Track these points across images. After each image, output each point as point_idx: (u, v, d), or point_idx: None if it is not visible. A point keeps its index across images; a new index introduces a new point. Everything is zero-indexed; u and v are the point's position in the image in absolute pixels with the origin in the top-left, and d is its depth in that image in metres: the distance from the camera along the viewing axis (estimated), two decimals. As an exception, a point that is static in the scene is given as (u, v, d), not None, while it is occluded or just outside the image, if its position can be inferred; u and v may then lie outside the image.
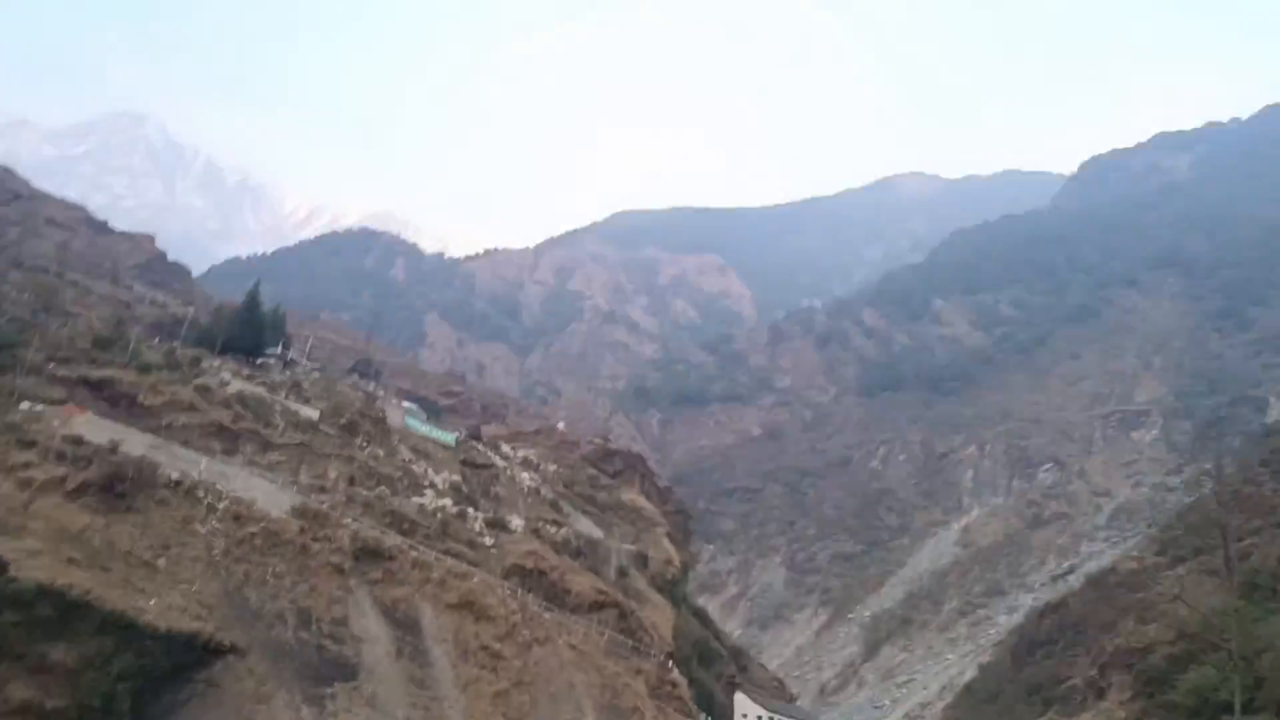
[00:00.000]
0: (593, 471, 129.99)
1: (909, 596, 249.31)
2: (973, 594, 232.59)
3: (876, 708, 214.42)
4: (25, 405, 63.58)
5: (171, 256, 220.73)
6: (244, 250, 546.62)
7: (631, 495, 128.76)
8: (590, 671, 74.01)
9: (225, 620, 58.00)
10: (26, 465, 57.17)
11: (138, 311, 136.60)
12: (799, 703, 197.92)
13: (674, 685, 79.15)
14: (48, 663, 50.51)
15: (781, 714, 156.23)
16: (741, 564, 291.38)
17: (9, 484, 55.91)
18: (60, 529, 55.15)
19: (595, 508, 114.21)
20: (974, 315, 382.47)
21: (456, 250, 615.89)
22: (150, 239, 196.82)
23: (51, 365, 68.36)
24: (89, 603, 52.26)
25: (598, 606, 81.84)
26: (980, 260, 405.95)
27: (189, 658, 55.24)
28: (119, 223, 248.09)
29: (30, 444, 58.59)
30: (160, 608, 55.14)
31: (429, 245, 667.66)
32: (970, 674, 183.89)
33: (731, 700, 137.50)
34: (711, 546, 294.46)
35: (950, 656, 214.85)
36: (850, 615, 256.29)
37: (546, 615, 76.06)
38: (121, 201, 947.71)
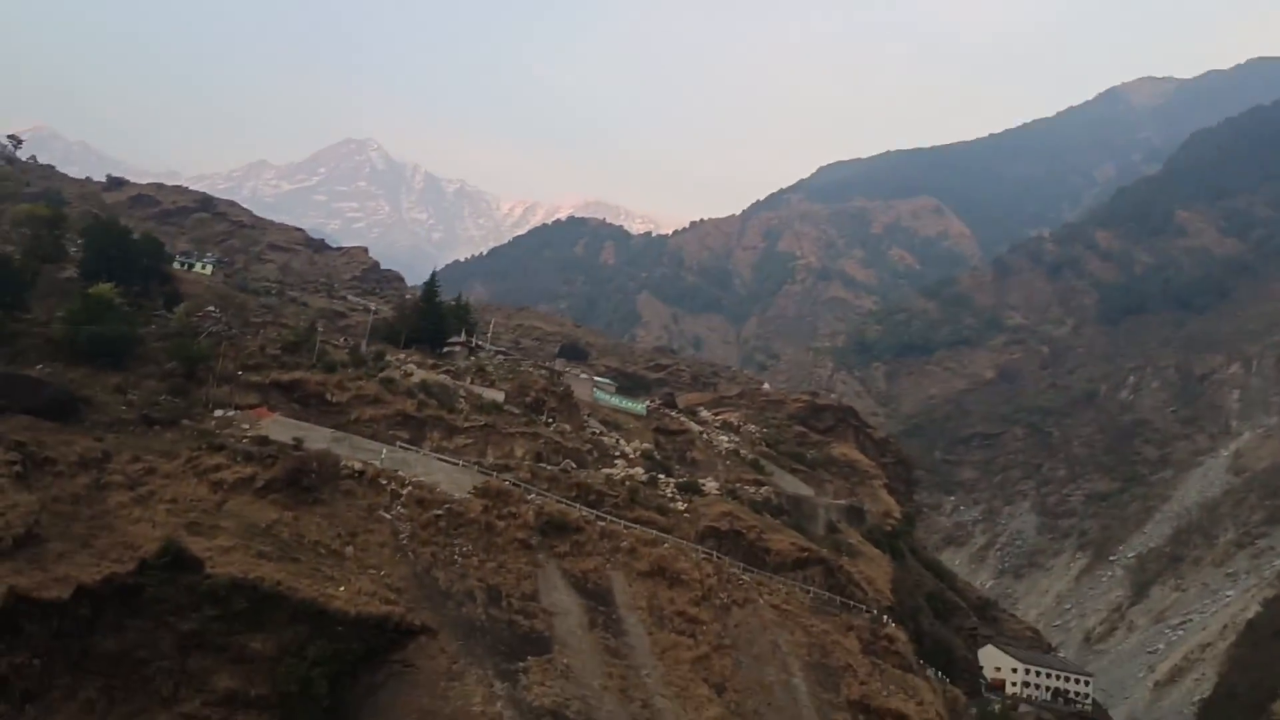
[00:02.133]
0: (801, 429, 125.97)
1: (1177, 532, 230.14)
2: (1251, 523, 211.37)
3: (1150, 652, 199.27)
4: (219, 412, 66.84)
5: (402, 268, 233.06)
6: (465, 254, 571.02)
7: (844, 449, 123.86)
8: (796, 630, 70.91)
9: (415, 602, 58.79)
10: (217, 468, 59.91)
11: (353, 319, 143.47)
12: (1061, 653, 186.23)
13: (890, 640, 74.66)
14: (247, 653, 52.61)
15: (1038, 665, 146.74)
16: (987, 513, 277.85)
17: (202, 486, 58.73)
18: (250, 525, 57.40)
19: (804, 465, 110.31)
20: (1224, 221, 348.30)
21: (664, 228, 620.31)
22: (364, 251, 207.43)
23: (241, 373, 71.68)
24: (281, 593, 54.04)
25: (802, 564, 78.42)
26: (1227, 161, 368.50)
27: (381, 641, 56.26)
28: (354, 242, 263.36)
29: (220, 448, 61.39)
30: (350, 594, 56.42)
31: (637, 227, 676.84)
32: (1254, 609, 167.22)
33: (974, 654, 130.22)
34: (952, 498, 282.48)
35: (1230, 593, 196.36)
36: (1112, 557, 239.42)
37: (745, 576, 73.45)
38: (354, 224, 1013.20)
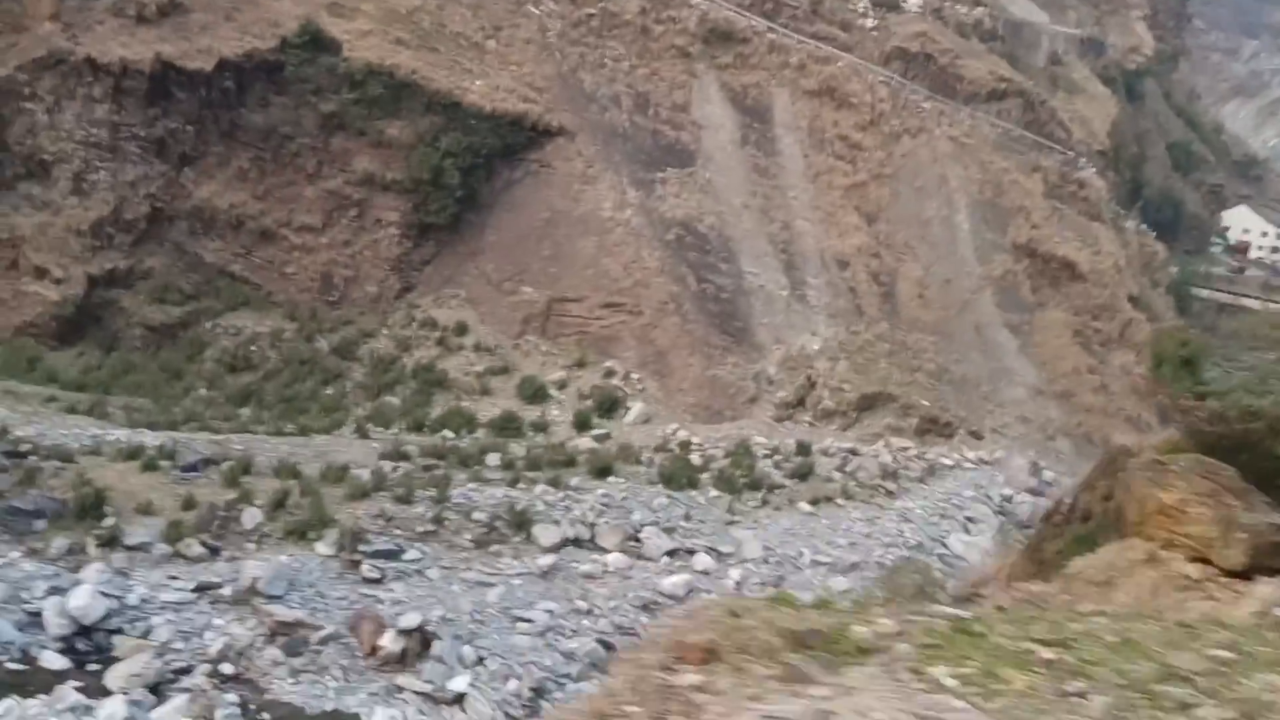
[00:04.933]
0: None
1: None
2: None
3: None
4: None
5: None
6: None
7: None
8: (970, 166, 65.63)
9: (555, 103, 57.70)
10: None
11: None
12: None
13: (1081, 185, 68.21)
14: (384, 139, 54.08)
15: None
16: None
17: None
18: (390, 10, 56.31)
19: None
20: None
21: None
22: None
23: None
24: (417, 82, 54.13)
25: (998, 96, 70.75)
26: None
27: (518, 139, 56.35)
28: None
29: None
30: (487, 88, 55.82)
31: None
32: None
33: (1213, 211, 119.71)
34: (1255, 42, 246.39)
35: None
36: None
37: (926, 105, 67.22)
38: None
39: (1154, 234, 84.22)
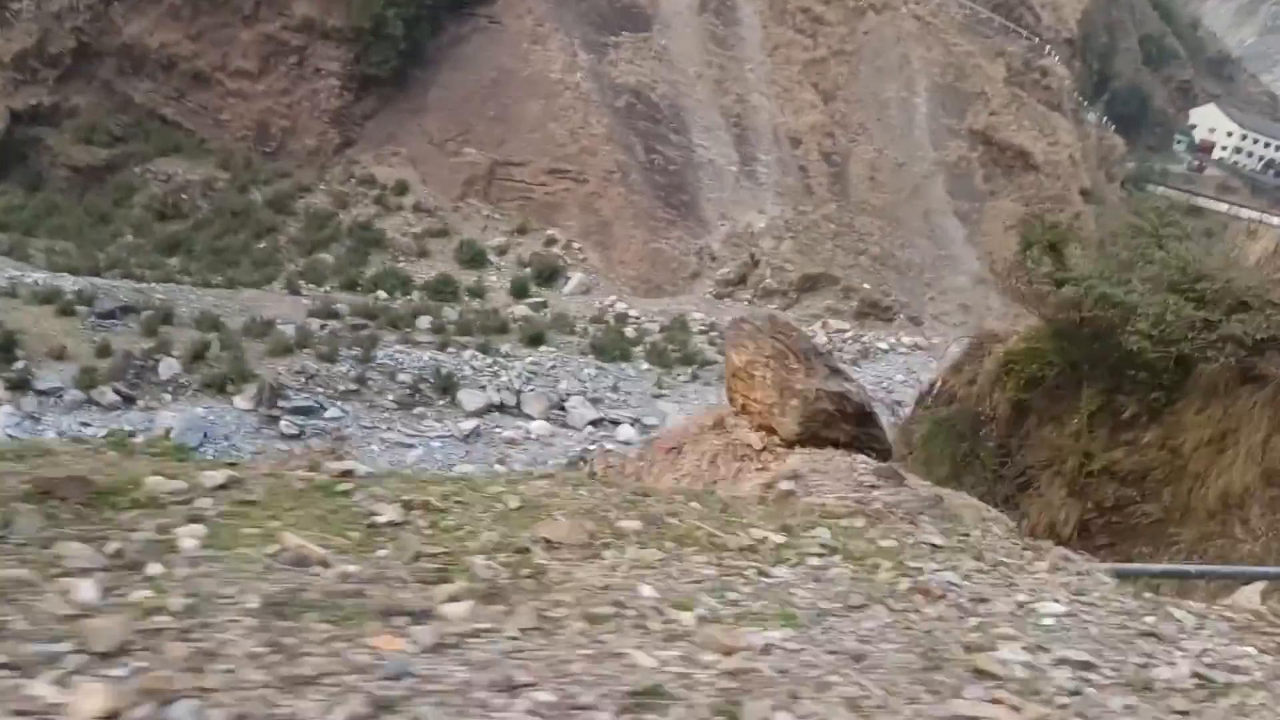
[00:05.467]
0: None
1: None
2: None
3: None
4: None
5: None
6: None
7: None
8: (934, 47, 64.32)
9: (508, -46, 55.29)
10: None
11: None
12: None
13: (1044, 74, 67.18)
14: (326, -17, 51.64)
15: (1258, 132, 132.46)
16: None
17: None
18: None
19: None
20: None
21: None
22: None
23: None
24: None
25: (968, -21, 68.94)
26: None
27: (468, -9, 54.18)
28: None
29: None
30: (436, -65, 53.26)
31: None
32: None
33: (1180, 108, 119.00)
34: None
35: None
36: None
37: (894, -18, 65.33)
38: None
39: (1116, 128, 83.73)
